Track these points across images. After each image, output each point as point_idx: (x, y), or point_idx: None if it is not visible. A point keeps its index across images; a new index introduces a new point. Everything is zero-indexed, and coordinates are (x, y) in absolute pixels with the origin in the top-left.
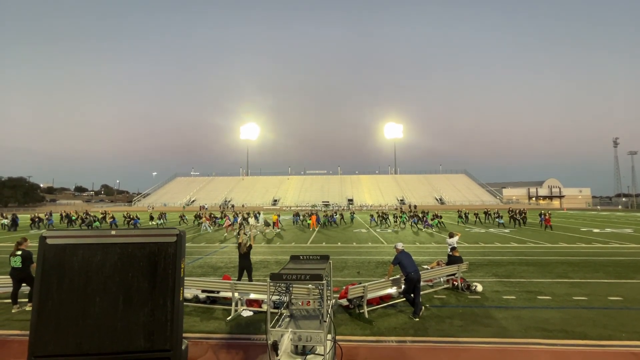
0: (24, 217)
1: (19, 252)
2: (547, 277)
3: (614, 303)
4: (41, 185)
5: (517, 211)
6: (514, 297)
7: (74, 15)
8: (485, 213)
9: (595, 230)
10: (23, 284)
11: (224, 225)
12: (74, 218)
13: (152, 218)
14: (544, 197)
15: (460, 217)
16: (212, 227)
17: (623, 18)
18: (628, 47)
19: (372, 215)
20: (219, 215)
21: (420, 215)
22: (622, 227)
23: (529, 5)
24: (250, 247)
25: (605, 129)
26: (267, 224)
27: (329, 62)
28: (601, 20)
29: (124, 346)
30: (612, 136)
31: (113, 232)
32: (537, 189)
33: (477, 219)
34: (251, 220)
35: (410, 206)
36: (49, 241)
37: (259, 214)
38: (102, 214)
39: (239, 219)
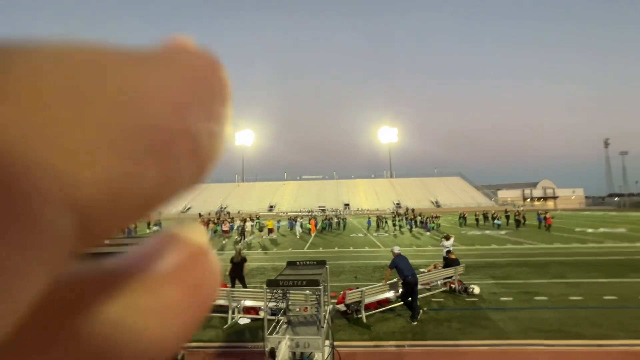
0: None
1: None
2: (544, 278)
3: (610, 302)
4: None
5: (517, 212)
6: (511, 299)
7: (56, 20)
8: (484, 215)
9: (590, 230)
10: None
11: (222, 230)
12: None
13: (148, 226)
14: (539, 198)
15: (460, 219)
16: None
17: (616, 17)
18: (620, 48)
19: (370, 220)
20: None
21: (419, 219)
22: (615, 226)
23: (523, 5)
24: (244, 258)
25: (596, 129)
26: (260, 229)
27: (324, 66)
28: (594, 19)
29: None
30: (603, 136)
31: None
32: (531, 190)
33: (477, 223)
34: (247, 226)
35: (407, 210)
36: None
37: (255, 219)
38: None
39: (236, 225)
